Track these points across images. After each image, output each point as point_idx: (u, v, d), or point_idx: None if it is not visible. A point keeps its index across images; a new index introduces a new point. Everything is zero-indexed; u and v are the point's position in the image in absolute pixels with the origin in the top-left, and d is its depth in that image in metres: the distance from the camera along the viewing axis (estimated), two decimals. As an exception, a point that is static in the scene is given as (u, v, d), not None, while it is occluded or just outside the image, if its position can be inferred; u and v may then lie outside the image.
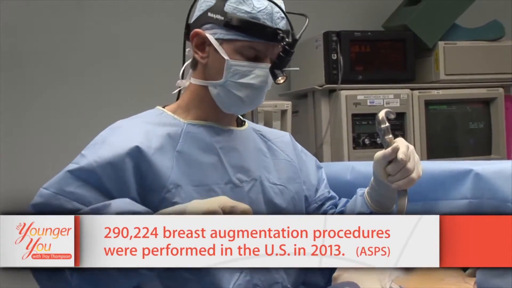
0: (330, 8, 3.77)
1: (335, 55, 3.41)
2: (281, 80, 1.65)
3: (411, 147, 1.64)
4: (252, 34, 1.62)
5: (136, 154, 1.58)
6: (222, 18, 1.62)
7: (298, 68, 1.81)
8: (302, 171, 1.82)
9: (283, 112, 3.30)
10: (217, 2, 1.64)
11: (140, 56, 3.61)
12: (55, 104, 3.53)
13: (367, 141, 3.40)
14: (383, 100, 3.42)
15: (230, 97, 1.66)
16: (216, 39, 1.64)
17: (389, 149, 1.63)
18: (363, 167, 1.90)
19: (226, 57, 1.63)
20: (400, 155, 1.61)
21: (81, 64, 3.56)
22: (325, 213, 1.81)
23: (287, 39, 1.63)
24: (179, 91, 1.76)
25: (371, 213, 1.71)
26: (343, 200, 1.84)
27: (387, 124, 1.65)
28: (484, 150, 3.59)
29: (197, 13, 1.68)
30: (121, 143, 1.59)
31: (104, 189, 1.55)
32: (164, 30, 3.49)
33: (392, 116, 1.67)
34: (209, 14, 1.64)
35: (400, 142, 1.63)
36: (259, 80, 1.65)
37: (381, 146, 1.66)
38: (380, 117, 1.66)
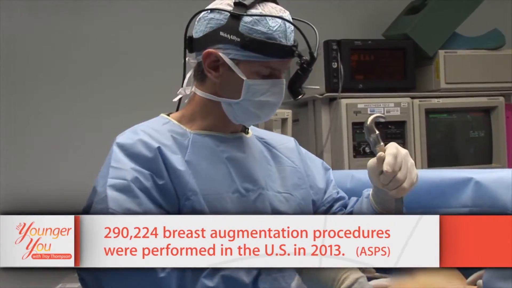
0: (330, 17, 3.77)
1: (336, 63, 3.41)
2: (299, 96, 1.66)
3: (402, 154, 1.61)
4: (270, 54, 1.61)
5: (164, 160, 1.59)
6: (238, 39, 1.60)
7: (318, 87, 1.80)
8: (309, 176, 1.81)
9: (284, 121, 3.30)
10: (229, 21, 1.61)
11: (142, 63, 3.63)
12: (55, 105, 3.54)
13: (367, 150, 3.39)
14: (383, 108, 3.42)
15: (247, 113, 1.66)
16: (231, 59, 1.62)
17: (374, 159, 1.62)
18: (363, 175, 1.88)
19: (244, 78, 1.61)
20: (385, 167, 1.59)
21: (82, 67, 3.59)
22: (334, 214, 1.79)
23: (303, 57, 1.63)
24: (180, 99, 1.75)
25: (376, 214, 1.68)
26: (353, 199, 1.82)
27: (377, 132, 1.62)
28: (484, 158, 3.58)
29: (204, 29, 1.65)
30: (146, 151, 1.59)
31: (152, 197, 1.55)
32: (165, 37, 3.50)
33: (382, 120, 1.65)
34: (222, 33, 1.61)
35: (388, 150, 1.61)
36: (276, 97, 1.65)
37: (381, 155, 1.64)
38: (369, 125, 1.63)
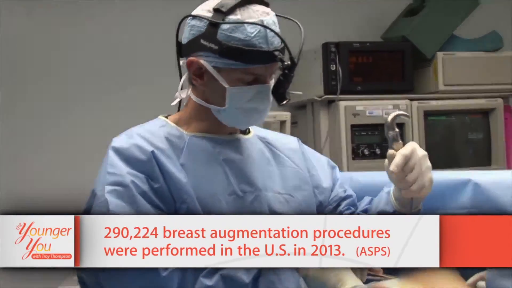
0: (329, 19, 3.77)
1: (334, 66, 3.41)
2: (284, 102, 1.63)
3: (418, 156, 1.61)
4: (249, 61, 1.58)
5: (159, 163, 1.58)
6: (216, 47, 1.58)
7: (301, 93, 1.78)
8: (313, 175, 1.79)
9: (282, 123, 3.30)
10: (208, 28, 1.59)
11: (142, 63, 3.64)
12: (55, 105, 3.56)
13: (366, 152, 3.39)
14: (382, 110, 3.42)
15: (235, 120, 1.65)
16: (213, 66, 1.60)
17: (386, 160, 1.61)
18: (361, 177, 1.88)
19: (226, 85, 1.60)
20: (391, 167, 1.59)
21: (82, 68, 3.60)
22: (340, 214, 1.76)
23: (285, 62, 1.59)
24: (180, 102, 1.74)
25: (394, 212, 1.67)
26: (367, 198, 1.79)
27: (396, 130, 1.62)
28: (483, 160, 3.59)
29: (187, 35, 1.64)
30: (141, 154, 1.58)
31: (150, 200, 1.55)
32: (165, 38, 3.49)
33: (407, 118, 1.64)
34: (202, 41, 1.59)
35: (401, 150, 1.61)
36: (262, 102, 1.63)
37: (380, 157, 1.63)
38: (389, 122, 1.62)
